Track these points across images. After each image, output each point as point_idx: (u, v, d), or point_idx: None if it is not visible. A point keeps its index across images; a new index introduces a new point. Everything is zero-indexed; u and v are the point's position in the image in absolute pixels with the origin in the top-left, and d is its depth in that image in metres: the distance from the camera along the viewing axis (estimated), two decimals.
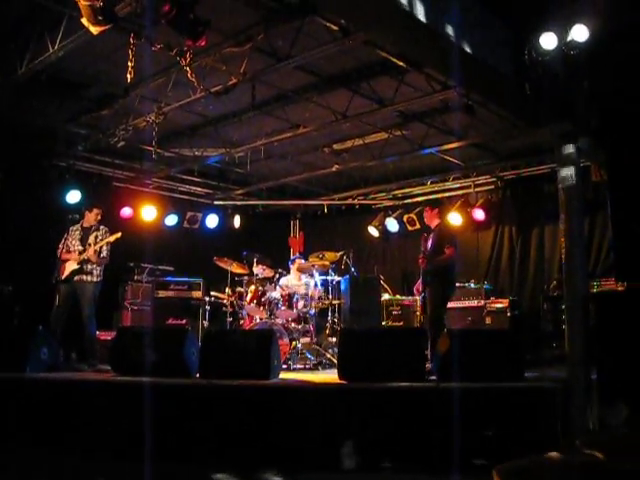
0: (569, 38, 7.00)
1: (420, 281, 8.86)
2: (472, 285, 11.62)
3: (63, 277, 8.89)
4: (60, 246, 9.02)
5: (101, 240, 9.04)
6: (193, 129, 11.43)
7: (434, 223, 9.01)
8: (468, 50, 6.83)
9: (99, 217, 9.30)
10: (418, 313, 8.90)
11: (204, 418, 6.03)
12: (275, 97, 10.05)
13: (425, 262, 8.73)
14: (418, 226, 13.24)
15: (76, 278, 8.90)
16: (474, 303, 11.38)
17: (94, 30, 6.42)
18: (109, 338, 9.94)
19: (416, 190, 14.02)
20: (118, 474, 5.57)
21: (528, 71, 7.39)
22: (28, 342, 7.36)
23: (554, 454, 3.86)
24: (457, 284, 11.34)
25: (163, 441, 5.90)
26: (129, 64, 7.23)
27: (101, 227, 9.23)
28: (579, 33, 6.96)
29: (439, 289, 8.64)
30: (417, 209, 13.40)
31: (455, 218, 12.86)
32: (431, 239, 8.82)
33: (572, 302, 6.97)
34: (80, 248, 9.02)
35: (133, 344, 7.11)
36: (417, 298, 8.83)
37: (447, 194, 13.73)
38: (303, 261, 11.10)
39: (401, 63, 8.59)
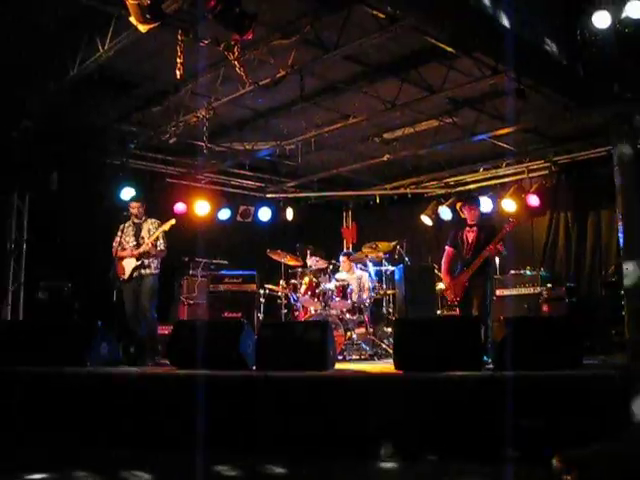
0: (623, 15, 6.84)
1: (464, 273, 8.75)
2: (528, 272, 11.47)
3: (126, 277, 9.00)
4: (115, 244, 9.12)
5: (155, 231, 9.14)
6: (243, 123, 11.50)
7: (473, 218, 8.94)
8: (518, 33, 6.73)
9: (142, 209, 9.31)
10: (452, 300, 8.86)
11: (261, 410, 6.08)
12: (324, 88, 10.05)
13: (472, 254, 8.72)
14: None
15: (135, 274, 9.01)
16: (530, 290, 11.24)
17: (142, 28, 6.50)
18: (166, 332, 10.09)
19: (468, 177, 13.90)
20: (178, 466, 5.65)
21: (580, 52, 7.25)
22: (88, 337, 7.49)
23: (615, 443, 3.80)
24: (513, 271, 11.33)
25: (222, 434, 5.97)
26: (178, 60, 7.31)
27: (150, 219, 9.31)
28: (634, 9, 6.79)
29: (489, 280, 8.77)
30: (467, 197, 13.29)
31: (509, 205, 12.71)
32: (475, 232, 8.80)
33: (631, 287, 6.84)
34: (134, 243, 9.12)
35: (190, 338, 7.18)
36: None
37: (500, 181, 13.56)
38: (349, 256, 11.14)
39: (450, 49, 8.51)
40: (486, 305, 8.56)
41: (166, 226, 9.11)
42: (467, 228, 8.94)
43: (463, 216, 9.33)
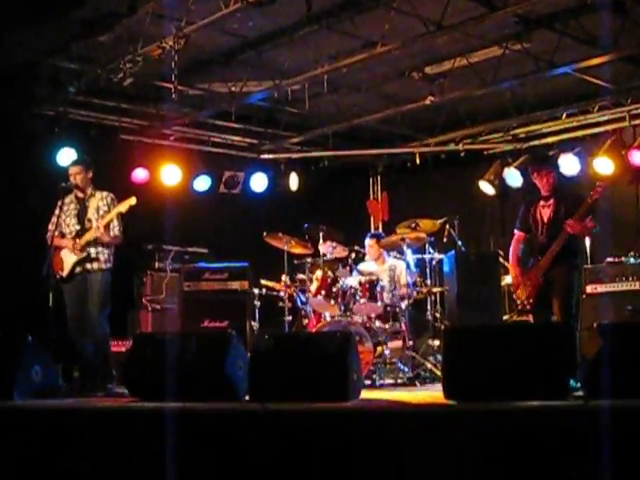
0: None
1: (539, 264, 8.72)
2: (632, 260, 11.40)
3: (65, 274, 9.01)
4: (50, 227, 9.08)
5: (107, 212, 9.10)
6: (227, 56, 11.50)
7: (548, 186, 8.90)
8: None
9: (87, 178, 9.23)
10: (523, 303, 8.87)
11: (257, 455, 6.07)
12: (340, 4, 10.01)
13: (549, 236, 8.69)
14: None
15: (78, 269, 9.00)
16: (635, 285, 11.17)
17: None
18: (123, 349, 10.09)
19: (545, 127, 13.87)
20: None
21: None
22: (14, 358, 7.49)
23: None
24: (610, 259, 11.27)
25: None
26: None
27: (103, 193, 9.25)
28: None
29: (575, 272, 8.75)
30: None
31: (604, 164, 12.64)
32: (552, 207, 8.75)
33: None
34: (77, 228, 9.07)
35: (156, 357, 7.18)
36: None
37: (591, 131, 13.55)
38: (379, 239, 11.14)
39: None
40: (571, 307, 8.53)
41: (123, 206, 9.04)
42: (541, 202, 8.90)
43: (538, 185, 9.30)
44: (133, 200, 9.08)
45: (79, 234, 9.03)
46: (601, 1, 9.31)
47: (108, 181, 9.73)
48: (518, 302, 9.11)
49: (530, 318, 9.38)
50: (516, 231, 9.11)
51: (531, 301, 8.75)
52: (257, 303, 11.38)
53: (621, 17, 9.21)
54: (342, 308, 10.11)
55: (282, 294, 11.06)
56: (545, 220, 8.80)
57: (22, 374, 7.44)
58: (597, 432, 5.37)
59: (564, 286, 8.55)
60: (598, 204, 8.66)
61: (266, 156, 14.68)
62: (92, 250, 9.01)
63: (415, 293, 10.71)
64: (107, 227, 9.04)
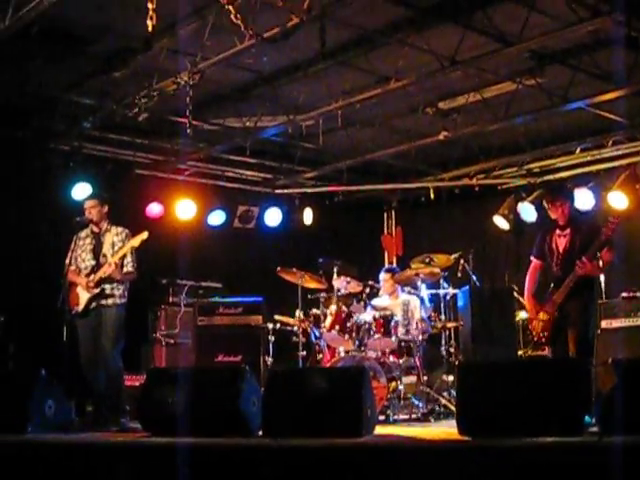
0: None
1: (554, 296, 8.70)
2: None
3: (80, 310, 8.99)
4: (67, 262, 9.08)
5: (121, 248, 9.13)
6: (242, 91, 11.55)
7: (563, 216, 8.88)
8: None
9: (103, 213, 9.22)
10: (538, 335, 8.84)
11: None
12: (354, 41, 10.06)
13: (563, 268, 8.66)
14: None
15: (93, 305, 8.98)
16: None
17: None
18: (137, 384, 10.07)
19: (560, 162, 13.86)
20: None
21: None
22: (28, 392, 7.49)
23: None
24: (625, 294, 11.22)
25: None
26: (149, 5, 7.33)
27: (118, 228, 9.26)
28: None
29: (591, 305, 8.72)
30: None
31: (618, 199, 12.62)
32: (568, 237, 8.74)
33: None
34: (93, 263, 9.07)
35: (170, 392, 7.17)
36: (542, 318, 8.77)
37: (605, 165, 13.54)
38: (393, 274, 11.12)
39: None
40: (587, 341, 8.49)
41: (135, 241, 9.03)
42: (557, 231, 8.88)
43: (554, 216, 9.28)
44: (145, 234, 9.08)
45: (94, 269, 9.02)
46: (614, 36, 9.31)
47: (123, 216, 9.75)
48: (534, 334, 9.07)
49: (545, 352, 9.34)
50: (532, 258, 9.07)
51: (547, 334, 8.71)
52: (271, 338, 11.35)
53: (634, 52, 9.23)
54: (356, 343, 10.08)
55: (296, 329, 11.02)
56: (560, 250, 8.75)
57: (35, 408, 7.45)
58: (612, 469, 5.34)
59: (580, 320, 8.50)
60: (612, 240, 8.62)
61: (280, 191, 14.71)
62: (107, 286, 8.99)
63: (429, 328, 10.68)
64: (121, 263, 9.06)
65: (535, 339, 9.25)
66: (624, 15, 8.74)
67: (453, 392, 9.67)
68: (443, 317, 10.94)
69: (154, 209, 13.03)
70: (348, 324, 10.16)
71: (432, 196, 14.72)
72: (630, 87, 10.69)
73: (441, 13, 9.38)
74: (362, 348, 10.05)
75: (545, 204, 9.21)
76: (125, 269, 9.07)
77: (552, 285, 8.69)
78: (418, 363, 10.30)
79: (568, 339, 8.51)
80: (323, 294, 10.93)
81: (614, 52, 9.76)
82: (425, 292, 10.93)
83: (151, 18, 7.33)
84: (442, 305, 10.98)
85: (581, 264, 8.35)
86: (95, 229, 9.22)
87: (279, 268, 11.16)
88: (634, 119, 12.27)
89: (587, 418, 6.88)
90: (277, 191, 14.69)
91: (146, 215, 12.91)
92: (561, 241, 8.79)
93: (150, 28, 7.40)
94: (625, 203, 12.66)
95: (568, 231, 8.77)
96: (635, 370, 6.43)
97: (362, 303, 10.54)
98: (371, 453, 6.24)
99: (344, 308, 10.34)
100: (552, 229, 8.95)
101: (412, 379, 10.28)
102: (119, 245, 9.09)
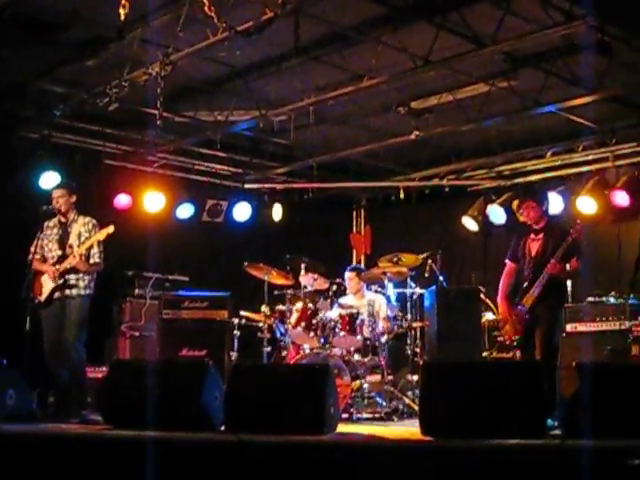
0: None
1: (525, 299, 8.74)
2: (612, 300, 11.44)
3: (43, 299, 8.96)
4: (32, 250, 9.02)
5: (88, 239, 9.07)
6: (214, 84, 11.52)
7: (539, 221, 8.93)
8: None
9: (70, 202, 9.19)
10: (510, 340, 8.88)
11: None
12: (328, 37, 10.05)
13: (534, 271, 8.71)
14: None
15: (57, 295, 8.96)
16: (615, 325, 11.19)
17: None
18: (100, 376, 10.03)
19: (530, 165, 13.92)
20: None
21: None
22: None
23: None
24: (590, 298, 11.29)
25: None
26: None
27: (85, 219, 9.21)
28: None
29: (558, 309, 8.85)
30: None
31: (587, 204, 12.69)
32: (541, 241, 8.79)
33: None
34: (59, 253, 9.04)
35: (132, 385, 7.14)
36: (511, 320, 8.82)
37: (575, 170, 13.59)
38: (360, 273, 11.14)
39: None
40: (552, 344, 8.55)
41: (101, 235, 9.00)
42: (532, 235, 8.93)
43: (522, 219, 9.31)
44: (111, 228, 9.04)
45: (60, 260, 8.98)
46: (587, 41, 9.35)
47: (91, 206, 9.71)
48: (505, 337, 9.11)
49: (509, 355, 9.38)
50: (507, 261, 9.14)
51: (519, 337, 8.76)
52: (236, 333, 11.30)
53: (606, 57, 9.26)
54: (321, 341, 10.08)
55: (262, 325, 11.00)
56: (533, 254, 8.83)
57: None
58: (574, 472, 5.36)
59: (547, 321, 8.57)
60: (580, 242, 8.68)
61: (250, 186, 14.67)
62: (72, 277, 8.95)
63: (395, 327, 10.69)
64: (87, 254, 9.01)
65: (507, 343, 9.31)
66: (598, 20, 8.78)
67: (417, 392, 9.68)
68: (409, 317, 10.93)
69: (122, 200, 12.96)
70: (314, 321, 10.16)
71: (402, 196, 14.72)
72: (601, 92, 10.73)
73: (416, 12, 9.39)
74: (327, 346, 10.05)
75: (514, 207, 9.27)
76: (92, 260, 9.05)
77: (523, 287, 8.75)
78: (383, 362, 10.32)
79: (535, 341, 8.57)
80: (290, 290, 10.94)
81: (586, 57, 9.80)
82: (392, 291, 10.95)
83: (124, 7, 7.30)
84: (408, 305, 11.00)
85: (552, 263, 8.42)
86: (62, 219, 9.17)
87: (246, 263, 11.15)
88: (604, 124, 12.34)
89: (550, 421, 6.93)
90: (247, 186, 14.65)
91: (114, 206, 12.83)
92: (534, 245, 8.86)
93: (122, 17, 7.36)
94: (594, 208, 12.72)
95: (541, 236, 8.83)
96: (598, 374, 6.46)
97: (329, 301, 10.55)
98: (333, 451, 6.24)
99: (310, 305, 10.34)
100: (527, 233, 9.01)
101: (376, 378, 10.29)
102: (86, 236, 9.06)
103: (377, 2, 9.21)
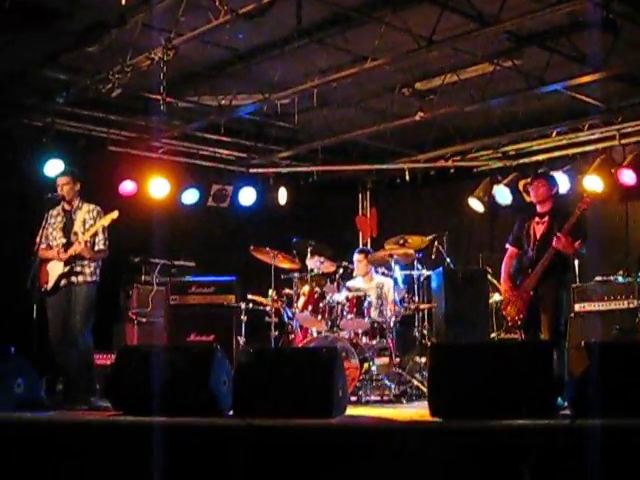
0: None
1: (528, 279, 8.71)
2: (620, 279, 11.41)
3: (49, 287, 8.96)
4: (38, 239, 9.00)
5: (92, 225, 9.06)
6: (217, 68, 11.49)
7: (543, 198, 8.89)
8: None
9: (75, 190, 9.18)
10: (513, 319, 8.87)
11: (240, 470, 6.03)
12: (331, 19, 10.01)
13: (539, 251, 8.68)
14: None
15: (63, 282, 8.96)
16: (624, 304, 11.17)
17: None
18: (108, 362, 10.04)
19: (536, 145, 13.90)
20: None
21: None
22: None
23: None
24: (598, 278, 11.26)
25: None
26: None
27: (90, 206, 9.21)
28: None
29: (564, 288, 8.84)
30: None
31: (593, 183, 12.65)
32: (546, 223, 8.75)
33: None
34: (63, 241, 9.03)
35: (140, 371, 7.14)
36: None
37: (581, 149, 13.57)
38: (367, 255, 11.13)
39: None
40: (559, 325, 8.53)
41: (105, 220, 8.99)
42: (536, 218, 8.88)
43: (529, 199, 9.27)
44: (115, 214, 9.03)
45: (65, 248, 8.97)
46: (592, 19, 9.30)
47: (96, 193, 9.70)
48: (508, 319, 9.08)
49: (517, 336, 9.36)
50: (508, 246, 9.09)
51: (521, 317, 8.72)
52: (244, 317, 11.33)
53: (612, 35, 9.21)
54: (329, 324, 10.08)
55: (269, 309, 11.01)
56: (538, 236, 8.77)
57: (4, 386, 7.40)
58: (583, 451, 5.35)
59: (553, 303, 8.53)
60: (586, 219, 8.64)
61: (255, 170, 14.66)
62: (78, 264, 8.96)
63: (403, 310, 10.68)
64: (92, 241, 9.00)
65: (510, 323, 9.28)
66: None
67: (425, 374, 9.68)
68: (416, 299, 10.94)
69: (127, 187, 12.96)
70: (321, 304, 10.16)
71: (407, 177, 14.70)
72: (607, 71, 10.68)
73: None
74: (335, 329, 10.06)
75: (525, 187, 9.23)
76: (97, 247, 9.05)
77: (527, 268, 8.71)
78: (391, 344, 10.33)
79: (541, 322, 8.55)
80: (296, 274, 10.94)
81: (591, 35, 9.75)
82: (399, 273, 10.93)
83: None
84: (416, 287, 10.99)
85: (557, 239, 8.37)
86: (67, 207, 9.17)
87: (252, 247, 11.13)
88: (610, 103, 12.30)
89: (559, 400, 6.91)
90: (251, 170, 14.65)
91: (119, 193, 12.84)
92: (539, 228, 8.80)
93: (124, 2, 7.33)
94: (600, 187, 12.69)
95: (547, 219, 8.78)
96: (607, 353, 6.44)
97: (335, 284, 10.53)
98: (341, 434, 6.23)
99: (317, 288, 10.34)
100: (531, 217, 8.95)
101: (384, 360, 10.31)
102: (90, 223, 9.05)
103: None
